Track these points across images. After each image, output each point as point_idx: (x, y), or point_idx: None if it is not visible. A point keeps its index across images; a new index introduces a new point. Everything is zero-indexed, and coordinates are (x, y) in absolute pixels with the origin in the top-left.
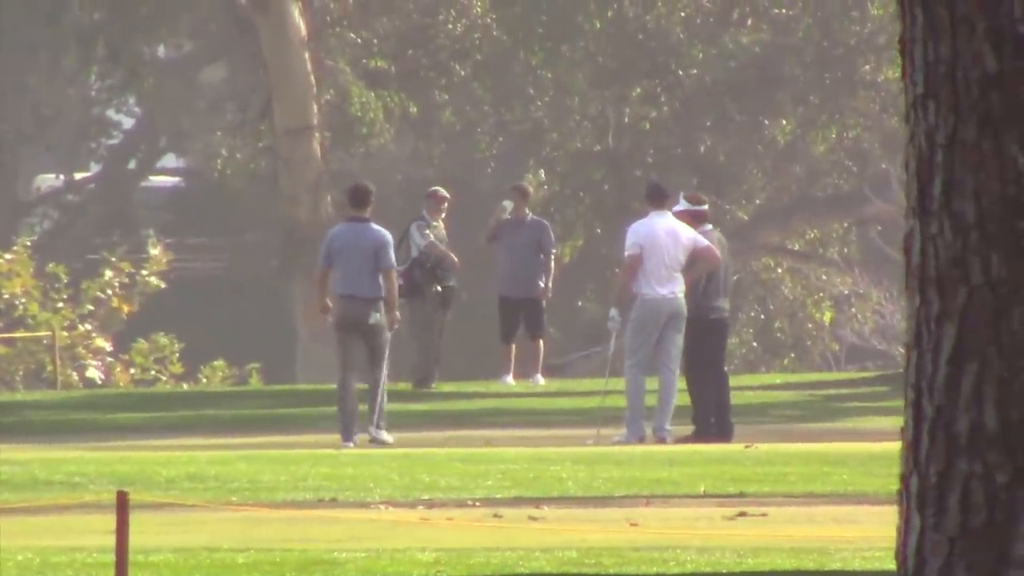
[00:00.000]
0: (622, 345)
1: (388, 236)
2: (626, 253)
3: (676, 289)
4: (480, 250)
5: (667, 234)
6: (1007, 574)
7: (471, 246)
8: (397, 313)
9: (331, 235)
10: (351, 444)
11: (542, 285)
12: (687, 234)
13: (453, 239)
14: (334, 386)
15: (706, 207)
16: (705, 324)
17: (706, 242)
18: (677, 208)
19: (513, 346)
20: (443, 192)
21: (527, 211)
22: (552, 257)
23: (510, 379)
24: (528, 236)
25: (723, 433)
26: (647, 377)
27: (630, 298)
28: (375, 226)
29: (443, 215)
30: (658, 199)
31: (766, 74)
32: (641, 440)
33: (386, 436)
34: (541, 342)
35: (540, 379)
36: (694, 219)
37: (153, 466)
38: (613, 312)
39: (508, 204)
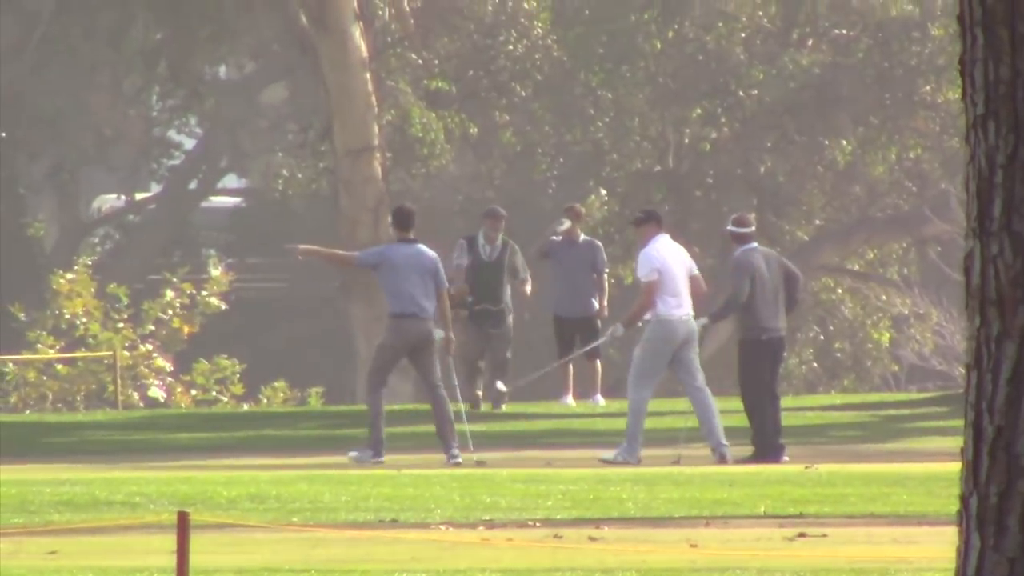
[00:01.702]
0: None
1: (437, 257)
2: (644, 279)
3: (689, 310)
4: (537, 270)
5: (675, 257)
6: None
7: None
8: (451, 334)
9: (386, 252)
10: (383, 460)
11: (596, 305)
12: (687, 258)
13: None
14: (394, 407)
15: (747, 230)
16: (756, 345)
17: (696, 271)
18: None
19: (571, 366)
20: (500, 211)
21: (580, 232)
22: (605, 277)
23: (570, 399)
24: (581, 256)
25: (774, 455)
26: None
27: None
28: (424, 247)
29: (500, 234)
30: (659, 222)
31: (826, 94)
32: (639, 463)
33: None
34: (598, 362)
35: (600, 399)
36: (734, 240)
37: (214, 486)
38: (621, 331)
39: (566, 221)
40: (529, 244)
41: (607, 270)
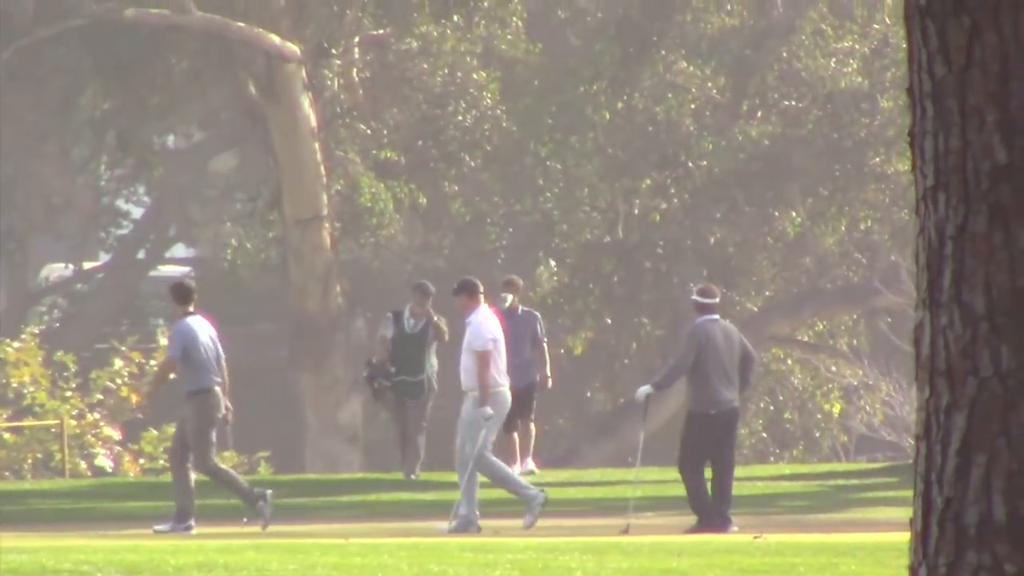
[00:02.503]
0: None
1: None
2: (480, 349)
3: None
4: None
5: (499, 327)
6: None
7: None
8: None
9: (185, 330)
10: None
11: (537, 375)
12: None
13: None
14: (343, 476)
15: (709, 300)
16: (705, 419)
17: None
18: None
19: (516, 435)
20: (428, 287)
21: (518, 304)
22: (544, 346)
23: (518, 468)
24: (521, 328)
25: (719, 523)
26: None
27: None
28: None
29: (426, 308)
30: (473, 293)
31: (776, 166)
32: (479, 531)
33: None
34: (532, 427)
35: (532, 464)
36: (696, 309)
37: (162, 555)
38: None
39: (507, 297)
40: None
41: (546, 340)
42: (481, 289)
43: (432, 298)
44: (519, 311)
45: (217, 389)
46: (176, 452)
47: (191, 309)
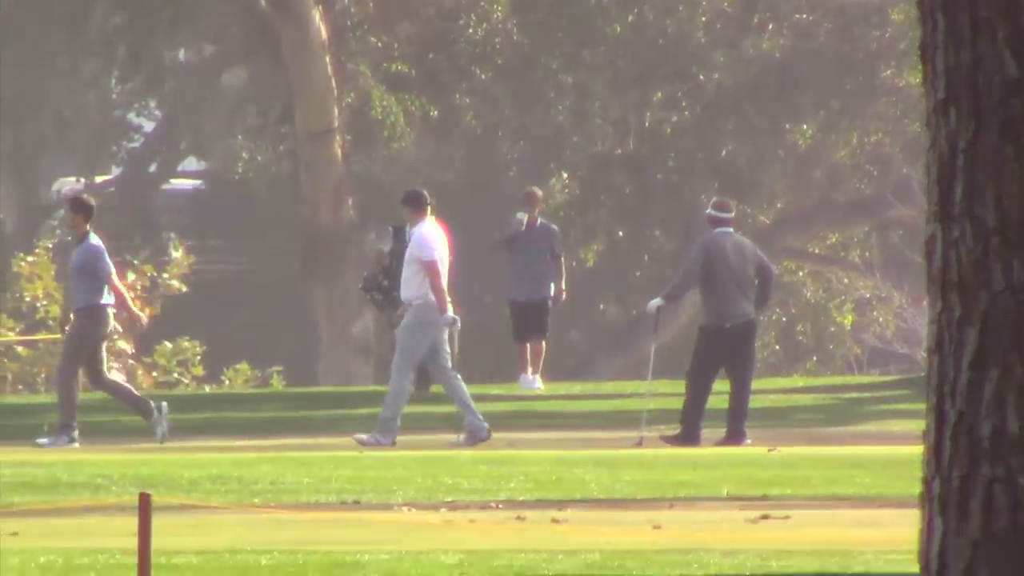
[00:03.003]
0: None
1: None
2: (427, 259)
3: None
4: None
5: (443, 240)
6: None
7: (490, 249)
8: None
9: (99, 248)
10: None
11: (552, 288)
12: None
13: (475, 242)
14: (356, 389)
15: (723, 214)
16: (717, 333)
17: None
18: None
19: (528, 345)
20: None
21: (537, 216)
22: (561, 260)
23: (526, 378)
24: (538, 241)
25: (736, 438)
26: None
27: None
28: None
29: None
30: (419, 205)
31: (787, 79)
32: (393, 445)
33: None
34: (543, 344)
35: (538, 381)
36: (709, 223)
37: (176, 468)
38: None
39: (523, 216)
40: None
41: (563, 253)
42: (428, 201)
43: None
44: (537, 223)
45: (110, 308)
46: (91, 370)
47: (88, 229)
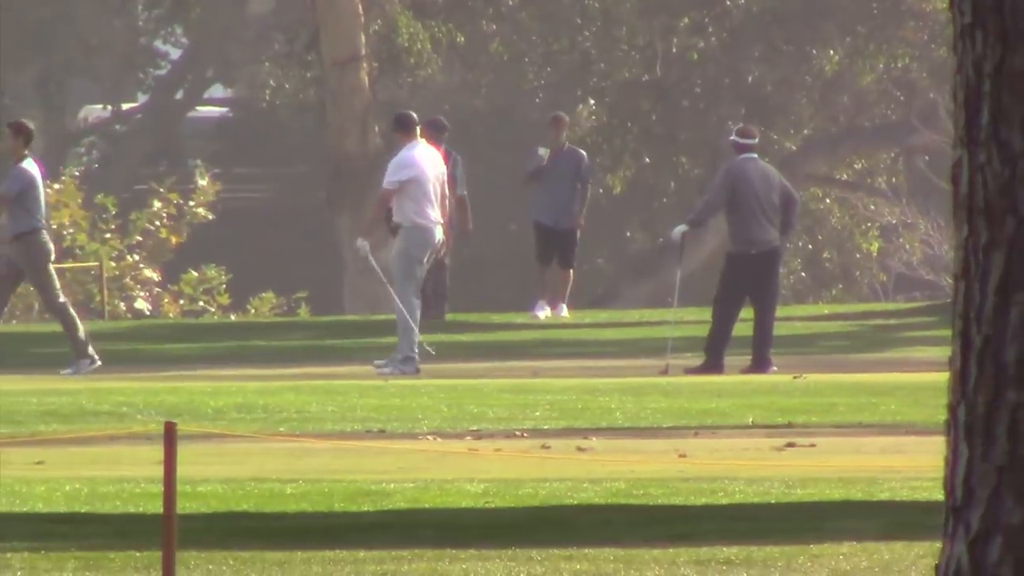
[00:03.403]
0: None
1: None
2: (385, 185)
3: (439, 218)
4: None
5: (431, 163)
6: None
7: (517, 176)
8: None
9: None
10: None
11: (577, 214)
12: (442, 166)
13: (501, 168)
14: (382, 317)
15: (747, 140)
16: (743, 259)
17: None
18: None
19: (549, 271)
20: (441, 122)
21: (565, 140)
22: (588, 186)
23: (543, 308)
24: (565, 166)
25: (761, 365)
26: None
27: None
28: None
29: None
30: (409, 128)
31: (813, 4)
32: (416, 373)
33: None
34: (571, 272)
35: (565, 310)
36: (735, 149)
37: (201, 397)
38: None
39: (544, 151)
40: (515, 154)
41: (591, 179)
42: (414, 123)
43: (448, 133)
44: (564, 148)
45: (44, 231)
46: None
47: (27, 152)
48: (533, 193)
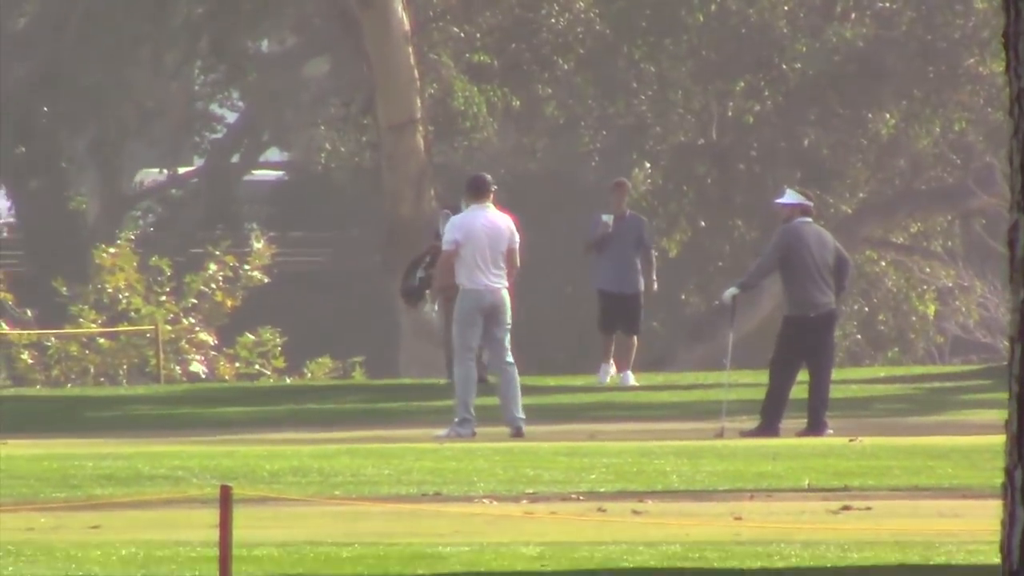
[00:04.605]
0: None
1: None
2: (443, 247)
3: (498, 282)
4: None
5: (487, 226)
6: None
7: (572, 240)
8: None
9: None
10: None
11: (643, 281)
12: (507, 228)
13: (556, 232)
14: (437, 380)
15: (808, 204)
16: (802, 322)
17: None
18: (785, 200)
19: (613, 338)
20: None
21: (626, 207)
22: (652, 251)
23: (610, 370)
24: (627, 232)
25: (817, 428)
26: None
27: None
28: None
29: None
30: (474, 191)
31: (869, 68)
32: (473, 436)
33: None
34: (636, 339)
35: (631, 377)
36: (803, 212)
37: (256, 460)
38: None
39: (608, 217)
40: (570, 218)
41: (653, 245)
42: (478, 186)
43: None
44: (627, 214)
45: None
46: None
47: None
48: (594, 260)
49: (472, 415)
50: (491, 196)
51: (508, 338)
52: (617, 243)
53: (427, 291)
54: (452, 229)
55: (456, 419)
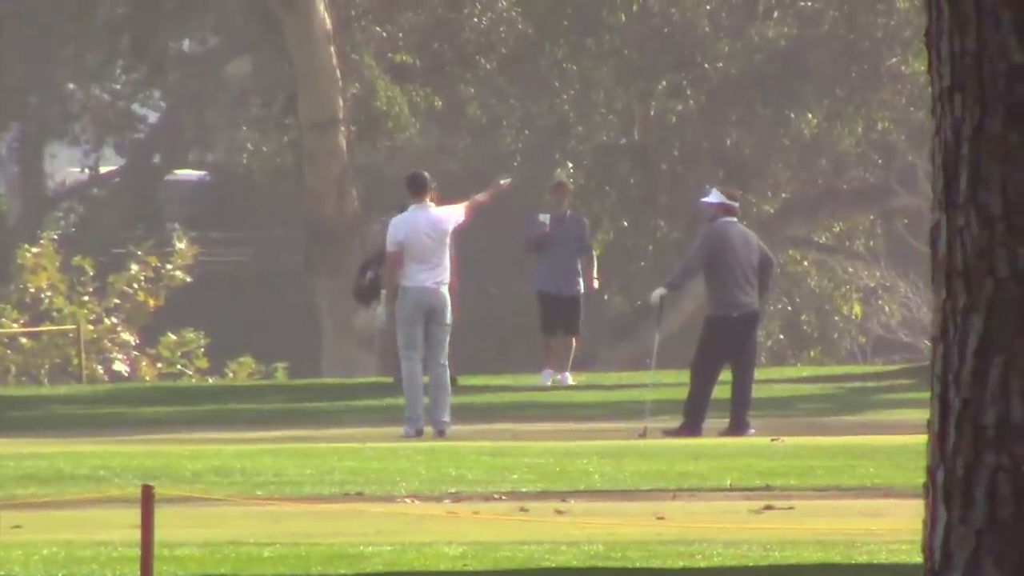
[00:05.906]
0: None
1: None
2: (387, 249)
3: (438, 278)
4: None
5: (424, 224)
6: None
7: (498, 241)
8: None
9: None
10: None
11: (583, 283)
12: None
13: (483, 233)
14: (359, 380)
15: (732, 204)
16: (725, 322)
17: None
18: (710, 199)
19: (552, 342)
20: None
21: (567, 208)
22: (593, 253)
23: (548, 373)
24: (567, 233)
25: (739, 428)
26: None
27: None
28: None
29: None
30: (412, 189)
31: (792, 67)
32: (420, 435)
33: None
34: (574, 340)
35: (569, 377)
36: (727, 212)
37: (179, 460)
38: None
39: (545, 217)
40: (494, 218)
41: (592, 246)
42: (415, 183)
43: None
44: (567, 215)
45: None
46: None
47: None
48: (537, 262)
49: (419, 414)
50: (430, 193)
51: (447, 339)
52: (557, 245)
53: (381, 290)
54: (395, 230)
55: (406, 416)
